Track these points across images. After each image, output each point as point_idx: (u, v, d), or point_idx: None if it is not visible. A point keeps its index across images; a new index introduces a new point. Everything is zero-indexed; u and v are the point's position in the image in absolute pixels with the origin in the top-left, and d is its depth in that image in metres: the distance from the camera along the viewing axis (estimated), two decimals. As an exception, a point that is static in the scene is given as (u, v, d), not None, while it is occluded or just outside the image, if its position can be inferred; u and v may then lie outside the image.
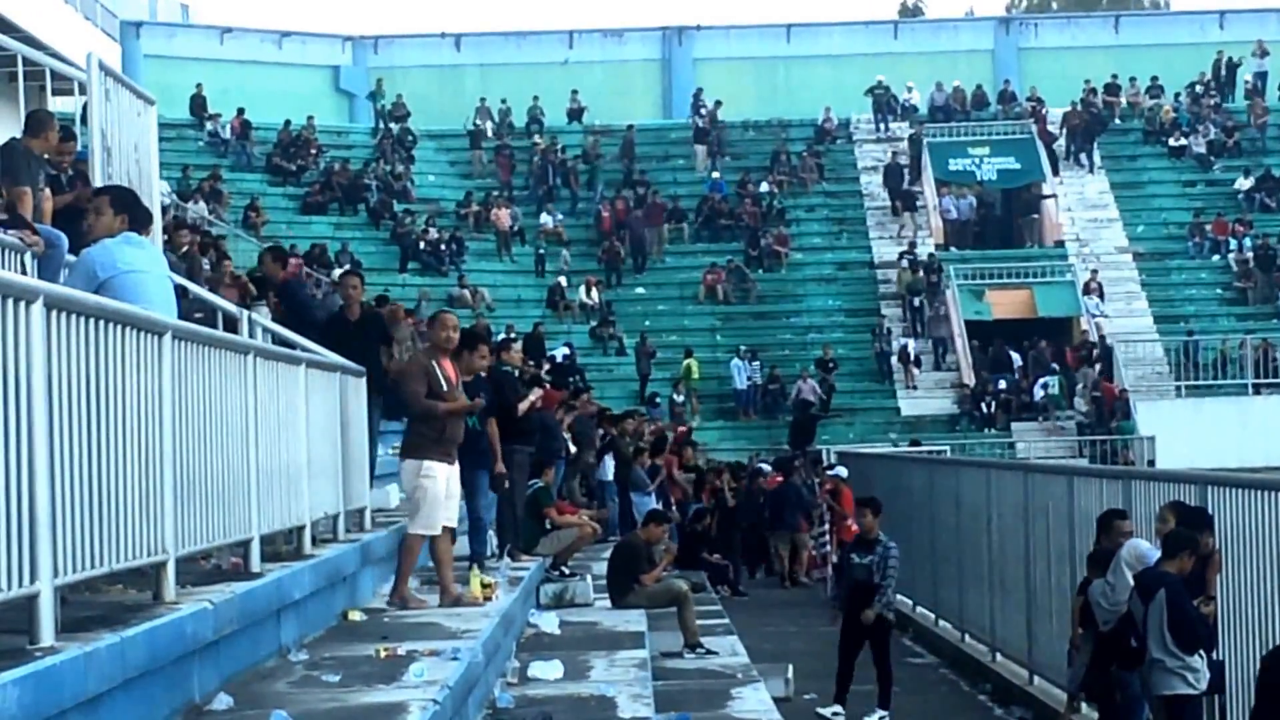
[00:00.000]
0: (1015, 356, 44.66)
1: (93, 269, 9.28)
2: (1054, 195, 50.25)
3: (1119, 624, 12.49)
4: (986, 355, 44.73)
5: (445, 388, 12.76)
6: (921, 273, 46.85)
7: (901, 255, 47.79)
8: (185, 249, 17.86)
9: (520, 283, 47.96)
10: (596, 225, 49.63)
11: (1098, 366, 43.29)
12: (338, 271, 29.91)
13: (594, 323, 45.85)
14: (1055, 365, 43.90)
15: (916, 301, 46.24)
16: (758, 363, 43.94)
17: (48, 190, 12.39)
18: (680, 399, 42.35)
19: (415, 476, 12.62)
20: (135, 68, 48.08)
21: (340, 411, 12.88)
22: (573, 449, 23.13)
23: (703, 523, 28.83)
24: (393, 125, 52.55)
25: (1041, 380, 43.31)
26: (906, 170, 50.73)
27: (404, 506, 13.15)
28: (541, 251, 48.32)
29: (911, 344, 44.94)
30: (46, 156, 12.66)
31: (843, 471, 29.62)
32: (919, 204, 50.19)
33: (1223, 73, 54.65)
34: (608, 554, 18.74)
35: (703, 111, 53.75)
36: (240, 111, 49.92)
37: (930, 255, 47.72)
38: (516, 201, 50.10)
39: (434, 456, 12.64)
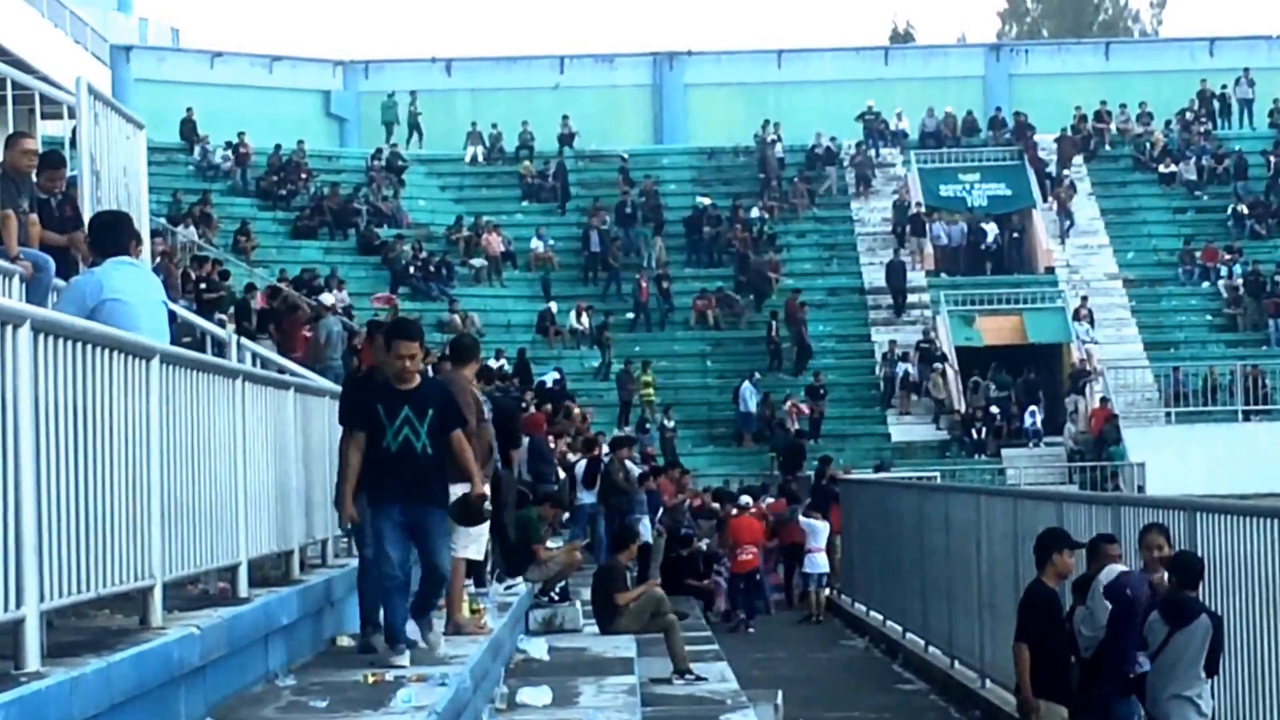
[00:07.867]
0: (991, 386, 44.51)
1: (81, 297, 9.27)
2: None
3: (1099, 649, 12.43)
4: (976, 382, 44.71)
5: (485, 415, 13.03)
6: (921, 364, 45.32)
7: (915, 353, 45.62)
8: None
9: (510, 308, 47.93)
10: (635, 295, 47.39)
11: (1089, 390, 43.34)
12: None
13: (584, 348, 45.81)
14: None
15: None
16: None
17: (35, 215, 12.35)
18: (670, 424, 42.27)
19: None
20: (125, 92, 48.10)
21: (329, 436, 12.84)
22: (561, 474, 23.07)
23: (689, 549, 28.77)
24: (384, 147, 52.46)
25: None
26: (907, 266, 48.61)
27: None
28: (542, 277, 48.30)
29: (911, 370, 44.68)
30: (32, 174, 12.55)
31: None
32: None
33: (1214, 101, 54.59)
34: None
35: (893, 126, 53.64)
36: (241, 135, 49.84)
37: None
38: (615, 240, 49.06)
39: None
